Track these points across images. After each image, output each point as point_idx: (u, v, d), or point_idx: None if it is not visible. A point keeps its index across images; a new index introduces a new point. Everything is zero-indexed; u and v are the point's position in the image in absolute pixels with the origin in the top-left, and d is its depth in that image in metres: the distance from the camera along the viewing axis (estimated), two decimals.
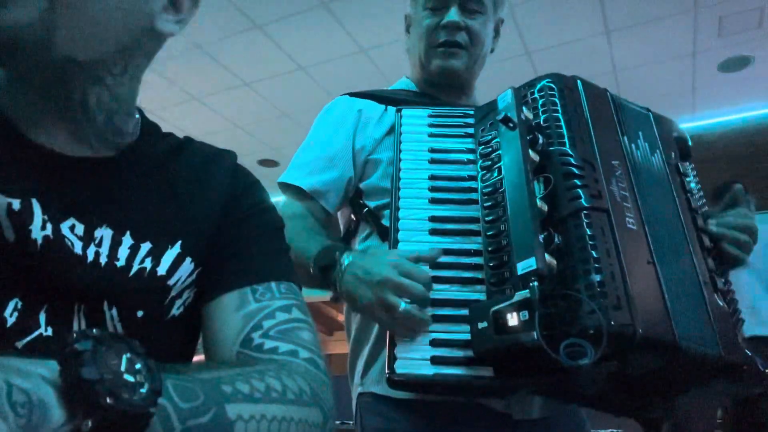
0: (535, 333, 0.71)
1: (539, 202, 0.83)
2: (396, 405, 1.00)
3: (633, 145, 0.99)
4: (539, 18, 3.42)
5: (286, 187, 1.15)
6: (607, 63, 3.86)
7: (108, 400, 0.34)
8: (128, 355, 0.37)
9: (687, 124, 4.43)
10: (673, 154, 1.06)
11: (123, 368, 0.36)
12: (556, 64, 3.73)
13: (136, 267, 0.59)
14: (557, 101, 0.94)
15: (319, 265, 0.96)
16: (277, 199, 1.15)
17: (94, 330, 0.36)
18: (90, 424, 0.34)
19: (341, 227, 1.22)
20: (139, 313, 0.59)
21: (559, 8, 3.35)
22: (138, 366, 0.37)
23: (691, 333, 0.81)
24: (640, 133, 1.03)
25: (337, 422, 3.07)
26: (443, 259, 0.90)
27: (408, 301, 0.84)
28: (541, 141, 0.90)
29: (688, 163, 1.09)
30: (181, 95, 4.19)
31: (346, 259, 0.93)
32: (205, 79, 3.99)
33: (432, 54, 1.19)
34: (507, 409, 0.98)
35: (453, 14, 1.17)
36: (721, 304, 0.91)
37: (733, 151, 4.32)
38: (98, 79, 0.59)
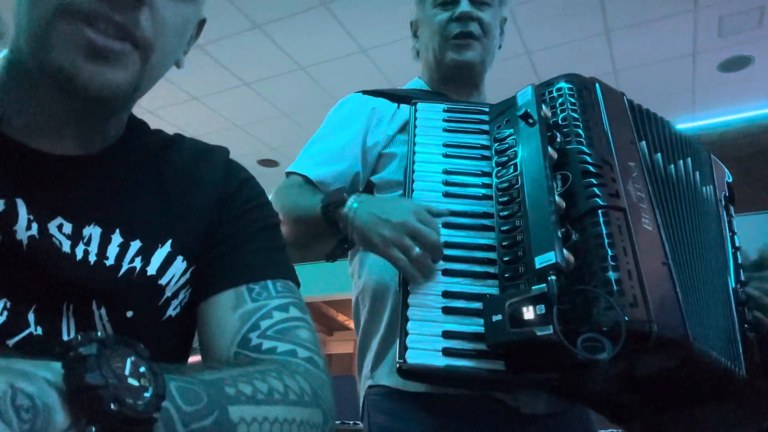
0: (551, 327, 0.71)
1: (557, 199, 0.83)
2: (406, 399, 1.00)
3: (659, 155, 0.99)
4: (539, 18, 3.42)
5: (291, 176, 1.16)
6: (607, 63, 3.86)
7: (112, 406, 0.34)
8: (132, 358, 0.37)
9: (687, 124, 4.43)
10: (723, 195, 1.10)
11: (127, 372, 0.36)
12: (556, 64, 3.73)
13: (125, 266, 0.59)
14: (575, 101, 0.94)
15: (326, 203, 0.97)
16: None
17: (99, 333, 0.36)
18: (94, 429, 0.34)
19: None
20: (129, 313, 0.58)
21: (559, 8, 3.35)
22: (142, 369, 0.37)
23: (708, 338, 0.81)
24: (690, 160, 1.05)
25: (337, 422, 3.07)
26: (456, 252, 0.91)
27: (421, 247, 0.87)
28: (559, 139, 0.90)
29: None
30: (181, 95, 4.19)
31: (356, 199, 0.95)
32: (205, 79, 3.98)
33: (446, 47, 1.21)
34: (515, 403, 0.98)
35: (465, 5, 1.20)
36: (750, 334, 0.93)
37: (733, 151, 4.32)
38: (129, 106, 0.65)
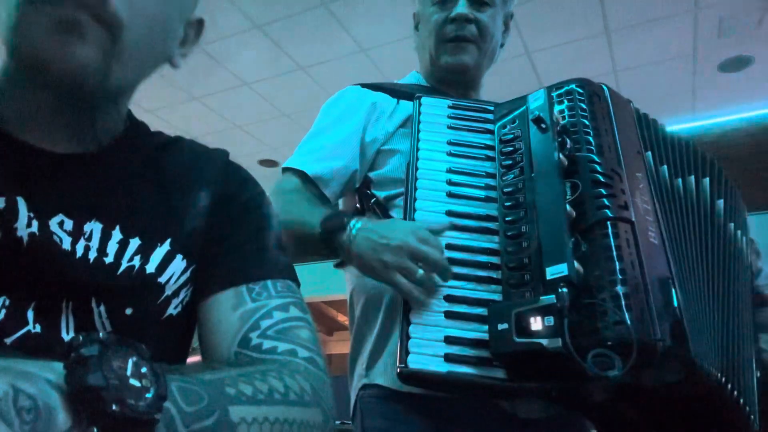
0: (560, 339, 0.70)
1: (568, 208, 0.81)
2: (401, 400, 0.99)
3: (665, 167, 0.97)
4: (539, 18, 3.41)
5: (288, 172, 1.13)
6: (607, 63, 3.86)
7: (114, 407, 0.34)
8: (134, 359, 0.37)
9: (687, 125, 4.43)
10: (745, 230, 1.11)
11: (129, 373, 0.36)
12: (556, 64, 3.73)
13: (124, 265, 0.59)
14: (586, 107, 0.93)
15: (327, 228, 0.94)
16: None
17: (101, 333, 0.36)
18: (96, 430, 0.34)
19: None
20: (128, 311, 0.58)
21: (559, 8, 3.34)
22: (144, 370, 0.37)
23: (713, 358, 0.81)
24: (707, 181, 1.04)
25: (337, 422, 3.06)
26: (459, 255, 0.89)
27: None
28: (569, 145, 0.88)
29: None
30: (181, 95, 4.19)
31: (356, 223, 0.92)
32: (205, 79, 3.98)
33: (442, 49, 1.19)
34: (511, 407, 0.98)
35: (461, 7, 1.17)
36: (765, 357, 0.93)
37: (733, 151, 4.32)
38: (116, 100, 0.63)
